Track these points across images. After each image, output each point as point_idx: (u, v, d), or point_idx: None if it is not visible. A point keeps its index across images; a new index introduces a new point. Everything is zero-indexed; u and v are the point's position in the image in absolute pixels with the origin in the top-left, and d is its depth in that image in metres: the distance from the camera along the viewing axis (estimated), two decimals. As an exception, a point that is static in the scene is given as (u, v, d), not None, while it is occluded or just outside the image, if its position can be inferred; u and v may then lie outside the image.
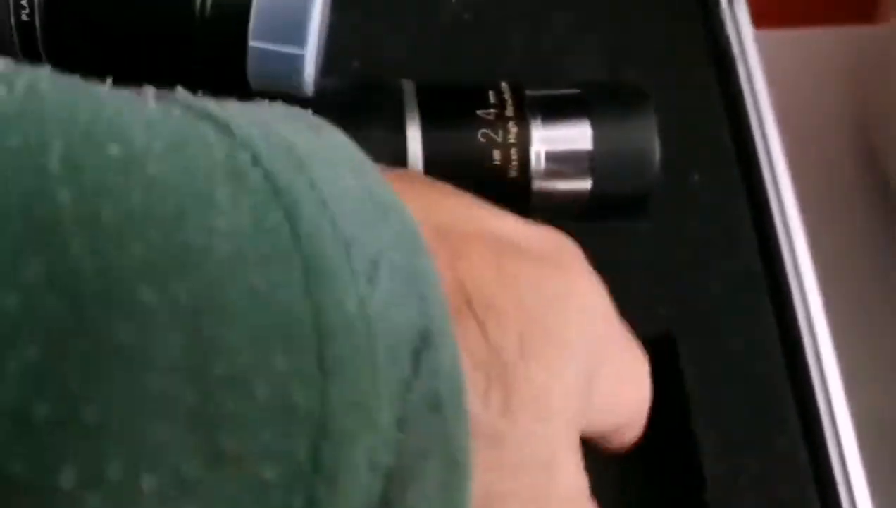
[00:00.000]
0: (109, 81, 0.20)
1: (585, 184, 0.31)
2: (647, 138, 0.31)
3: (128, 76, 0.34)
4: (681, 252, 0.33)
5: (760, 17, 0.38)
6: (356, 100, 0.31)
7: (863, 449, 0.31)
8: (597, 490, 0.27)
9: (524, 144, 0.30)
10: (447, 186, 0.25)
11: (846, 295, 0.36)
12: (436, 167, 0.30)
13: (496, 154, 0.30)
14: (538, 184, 0.31)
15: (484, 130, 0.30)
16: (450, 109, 0.30)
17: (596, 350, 0.23)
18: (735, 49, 0.36)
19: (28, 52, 0.30)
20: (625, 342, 0.26)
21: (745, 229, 0.33)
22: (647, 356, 0.27)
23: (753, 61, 0.35)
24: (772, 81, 0.36)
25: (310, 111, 0.21)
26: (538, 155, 0.30)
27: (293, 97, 0.32)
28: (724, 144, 0.35)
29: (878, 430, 0.35)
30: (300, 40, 0.30)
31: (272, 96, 0.33)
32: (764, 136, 0.34)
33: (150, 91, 0.20)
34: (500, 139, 0.30)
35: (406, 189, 0.21)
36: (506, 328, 0.21)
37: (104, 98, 0.18)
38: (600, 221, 0.33)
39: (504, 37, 0.36)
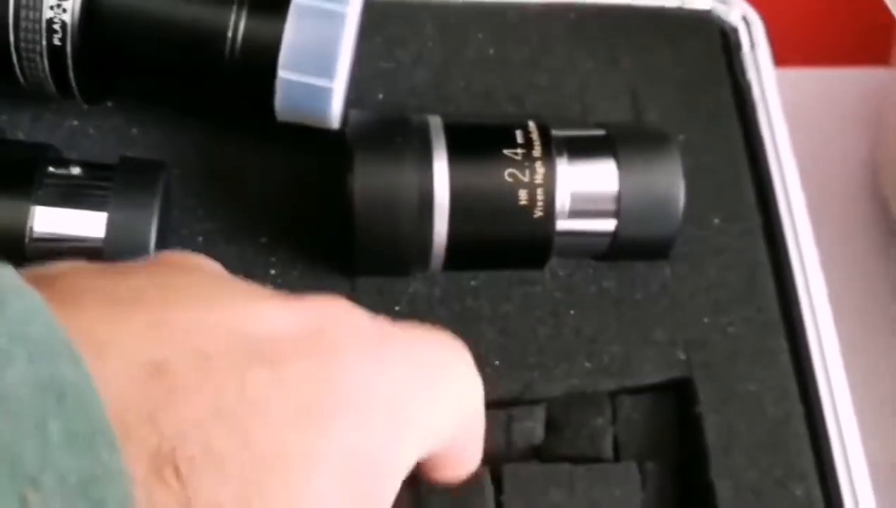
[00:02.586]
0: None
1: (609, 225, 0.31)
2: (672, 182, 0.31)
3: (155, 103, 0.34)
4: (700, 296, 0.33)
5: (783, 56, 0.38)
6: (383, 134, 0.31)
7: (878, 497, 0.31)
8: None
9: (550, 184, 0.30)
10: (197, 274, 0.22)
11: (864, 341, 0.36)
12: (461, 205, 0.30)
13: (522, 194, 0.30)
14: (562, 224, 0.31)
15: (511, 170, 0.30)
16: (477, 148, 0.30)
17: (384, 426, 0.21)
18: (756, 93, 0.36)
19: (57, 77, 0.30)
20: (426, 375, 0.23)
21: (764, 274, 0.34)
22: (455, 349, 0.25)
23: (775, 106, 0.36)
24: (792, 121, 0.36)
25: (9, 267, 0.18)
26: (564, 196, 0.30)
27: (319, 129, 0.32)
28: (745, 189, 0.35)
29: (895, 477, 0.35)
30: (329, 73, 0.30)
31: (298, 128, 0.33)
32: (784, 182, 0.35)
33: None
34: (526, 179, 0.30)
35: (127, 314, 0.19)
36: (223, 480, 0.18)
37: None
38: (620, 262, 0.33)
39: (528, 73, 0.36)
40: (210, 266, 0.23)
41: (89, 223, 0.27)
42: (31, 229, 0.27)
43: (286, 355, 0.20)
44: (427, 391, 0.23)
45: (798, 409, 0.32)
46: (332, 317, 0.22)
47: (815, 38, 0.44)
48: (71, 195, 0.28)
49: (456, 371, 0.25)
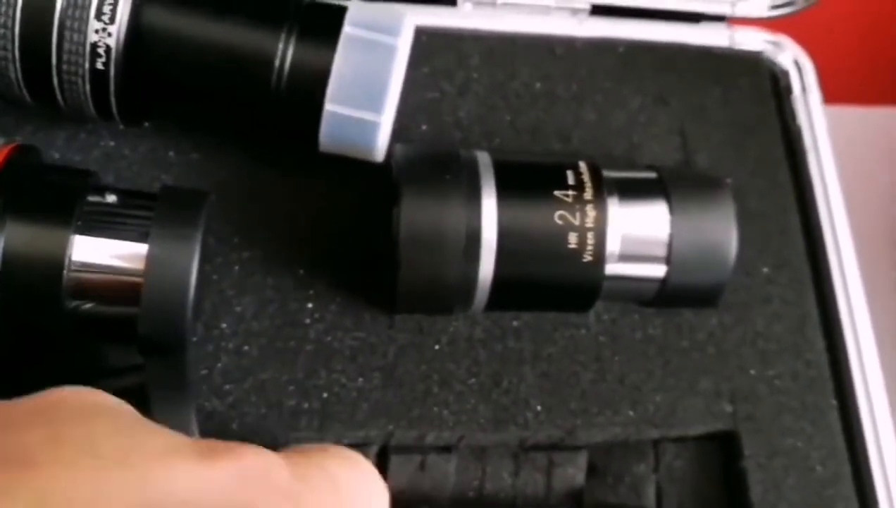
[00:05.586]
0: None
1: (659, 271, 0.30)
2: (725, 230, 0.30)
3: (193, 127, 0.33)
4: (747, 347, 0.32)
5: (831, 94, 0.37)
6: (431, 170, 0.30)
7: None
8: None
9: (601, 228, 0.29)
10: (99, 421, 0.20)
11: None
12: (509, 246, 0.29)
13: (572, 237, 0.29)
14: (611, 269, 0.30)
15: (561, 212, 0.29)
16: (527, 188, 0.30)
17: None
18: (807, 140, 0.35)
19: (98, 101, 0.29)
20: None
21: (813, 327, 0.33)
22: (365, 472, 0.24)
23: (826, 154, 0.35)
24: (842, 160, 0.35)
25: None
26: (614, 240, 0.30)
27: (363, 162, 0.31)
28: (794, 237, 0.34)
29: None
30: (378, 107, 0.30)
31: (340, 158, 0.32)
32: (834, 232, 0.34)
33: None
34: (577, 222, 0.29)
35: (17, 483, 0.17)
36: None
37: None
38: (667, 309, 0.32)
39: (575, 108, 0.35)
40: (112, 407, 0.21)
41: (129, 255, 0.26)
42: (70, 258, 0.26)
43: None
44: None
45: (846, 470, 0.31)
46: (246, 477, 0.20)
47: (864, 77, 0.43)
48: (111, 225, 0.27)
49: (369, 494, 0.24)
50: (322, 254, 0.32)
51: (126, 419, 0.21)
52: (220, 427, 0.29)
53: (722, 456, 0.31)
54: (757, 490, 0.30)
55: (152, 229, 0.26)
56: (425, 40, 0.35)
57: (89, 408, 0.21)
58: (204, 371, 0.30)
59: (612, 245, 0.30)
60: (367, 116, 0.30)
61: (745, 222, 0.33)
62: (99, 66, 0.28)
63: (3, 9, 0.28)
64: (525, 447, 0.31)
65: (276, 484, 0.21)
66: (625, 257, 0.30)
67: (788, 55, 0.37)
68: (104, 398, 0.21)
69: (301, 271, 0.32)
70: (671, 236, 0.30)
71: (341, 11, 0.30)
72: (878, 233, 0.40)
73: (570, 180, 0.30)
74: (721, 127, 0.36)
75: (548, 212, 0.29)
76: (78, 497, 0.18)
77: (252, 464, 0.21)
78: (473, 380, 0.31)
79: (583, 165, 0.30)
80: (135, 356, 0.27)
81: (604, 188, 0.30)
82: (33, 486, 0.18)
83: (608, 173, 0.30)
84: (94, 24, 0.28)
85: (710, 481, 0.31)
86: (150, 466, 0.19)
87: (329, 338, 0.31)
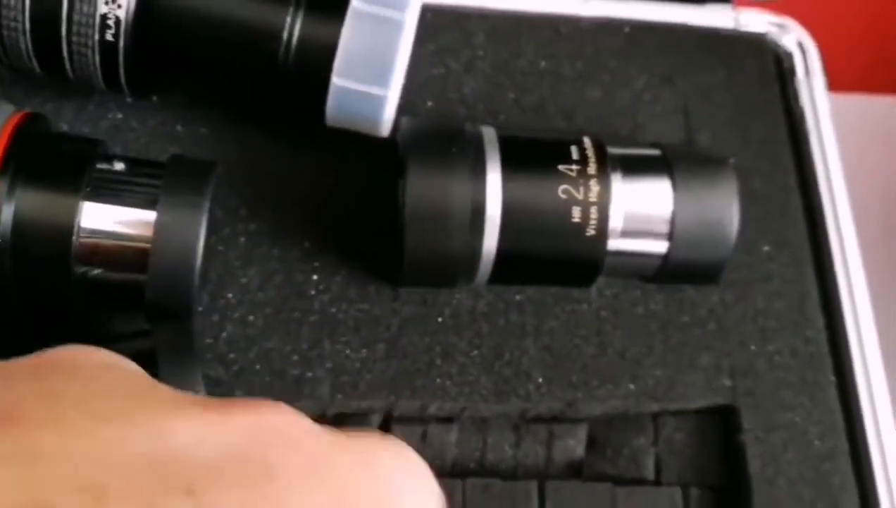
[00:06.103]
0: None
1: (661, 247, 0.31)
2: (727, 208, 0.30)
3: (201, 100, 0.34)
4: (747, 324, 0.33)
5: (839, 82, 0.37)
6: (436, 144, 0.30)
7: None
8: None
9: (604, 203, 0.30)
10: (97, 378, 0.19)
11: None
12: (513, 220, 0.29)
13: (576, 211, 0.29)
14: (614, 244, 0.30)
15: (565, 186, 0.30)
16: (532, 162, 0.30)
17: None
18: (810, 122, 0.35)
19: (107, 72, 0.30)
20: (387, 490, 0.21)
21: (813, 305, 0.33)
22: (414, 461, 0.23)
23: (828, 136, 0.35)
24: (846, 147, 0.35)
25: None
26: (617, 215, 0.30)
27: (369, 137, 0.31)
28: (795, 217, 0.34)
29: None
30: (384, 82, 0.30)
31: (346, 131, 0.32)
32: (835, 213, 0.34)
33: None
34: (580, 197, 0.29)
35: (10, 432, 0.17)
36: None
37: None
38: (668, 285, 0.33)
39: (580, 87, 0.36)
40: (113, 365, 0.20)
41: (137, 221, 0.27)
42: (79, 224, 0.26)
43: (209, 481, 0.17)
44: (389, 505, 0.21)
45: (843, 445, 0.31)
46: (264, 431, 0.19)
47: (869, 65, 0.43)
48: (120, 192, 0.27)
49: (413, 487, 0.22)
50: (327, 227, 0.32)
51: (127, 377, 0.20)
52: (225, 395, 0.30)
53: (721, 430, 0.32)
54: (755, 464, 0.31)
55: (161, 197, 0.27)
56: (430, 18, 0.36)
57: (88, 366, 0.20)
58: (209, 340, 0.30)
59: (615, 220, 0.30)
60: (373, 90, 0.30)
61: (747, 201, 0.33)
62: (108, 37, 0.29)
63: (15, -22, 0.28)
64: (526, 418, 0.31)
65: (297, 443, 0.20)
66: (627, 233, 0.30)
67: (792, 37, 0.37)
68: (106, 357, 0.20)
69: (307, 244, 0.32)
70: (674, 213, 0.30)
71: (349, -15, 0.30)
72: (877, 219, 0.40)
73: (575, 155, 0.30)
74: (725, 108, 0.36)
75: (552, 186, 0.30)
76: (68, 453, 0.17)
77: (271, 419, 0.19)
78: (476, 352, 0.31)
79: (587, 141, 0.31)
80: (143, 322, 0.27)
81: (608, 163, 0.30)
82: (19, 440, 0.17)
83: (612, 149, 0.31)
84: (104, -5, 0.28)
85: (709, 454, 0.31)
86: (147, 421, 0.18)
87: (333, 309, 0.31)
